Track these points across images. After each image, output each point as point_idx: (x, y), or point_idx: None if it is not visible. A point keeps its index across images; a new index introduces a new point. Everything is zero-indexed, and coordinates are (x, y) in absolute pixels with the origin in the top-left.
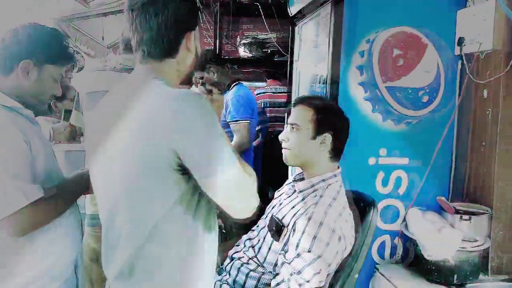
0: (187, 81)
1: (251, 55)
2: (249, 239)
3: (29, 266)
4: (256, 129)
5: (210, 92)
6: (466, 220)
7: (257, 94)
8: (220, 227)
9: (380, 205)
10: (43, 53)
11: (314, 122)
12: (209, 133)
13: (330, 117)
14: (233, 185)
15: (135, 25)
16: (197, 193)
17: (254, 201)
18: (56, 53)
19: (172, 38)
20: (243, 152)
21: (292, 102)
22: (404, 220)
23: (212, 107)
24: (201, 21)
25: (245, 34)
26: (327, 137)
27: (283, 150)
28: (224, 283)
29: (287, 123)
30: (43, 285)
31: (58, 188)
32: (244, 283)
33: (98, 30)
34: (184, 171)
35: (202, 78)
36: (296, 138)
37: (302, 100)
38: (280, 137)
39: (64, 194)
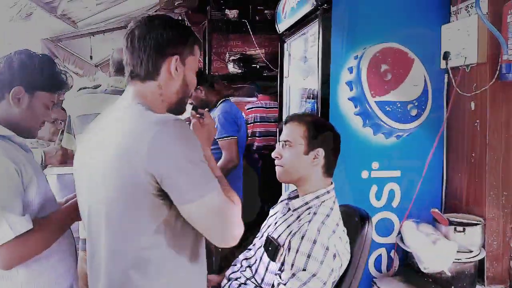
0: (178, 110)
1: (240, 71)
2: (246, 258)
3: None
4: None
5: (201, 115)
6: (460, 231)
7: (247, 109)
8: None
9: (375, 218)
10: (35, 80)
11: (306, 138)
12: (187, 159)
13: (322, 132)
14: (213, 212)
15: (125, 47)
16: (180, 221)
17: (238, 229)
18: (48, 80)
19: (151, 61)
20: (232, 169)
21: (284, 120)
22: (399, 233)
23: (202, 131)
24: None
25: (234, 51)
26: (320, 152)
27: (276, 168)
28: None
29: (279, 141)
30: None
31: (48, 218)
32: None
33: (86, 49)
34: (164, 196)
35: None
36: (289, 155)
37: (293, 118)
38: (273, 154)
39: (54, 224)
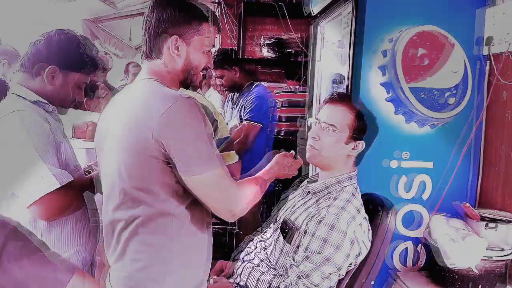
0: (190, 85)
1: (274, 55)
2: (261, 240)
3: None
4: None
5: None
6: (491, 228)
7: (276, 94)
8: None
9: (403, 210)
10: (70, 61)
11: (353, 128)
12: (194, 134)
13: (366, 125)
14: (212, 188)
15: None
16: (186, 192)
17: (236, 209)
18: (83, 62)
19: (152, 40)
20: (241, 149)
21: (328, 97)
22: (428, 226)
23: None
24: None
25: (269, 34)
26: (361, 145)
27: (308, 147)
28: (236, 286)
29: (317, 119)
30: None
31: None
32: (255, 286)
33: (126, 31)
34: (173, 165)
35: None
36: (330, 140)
37: (343, 100)
38: (311, 134)
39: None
